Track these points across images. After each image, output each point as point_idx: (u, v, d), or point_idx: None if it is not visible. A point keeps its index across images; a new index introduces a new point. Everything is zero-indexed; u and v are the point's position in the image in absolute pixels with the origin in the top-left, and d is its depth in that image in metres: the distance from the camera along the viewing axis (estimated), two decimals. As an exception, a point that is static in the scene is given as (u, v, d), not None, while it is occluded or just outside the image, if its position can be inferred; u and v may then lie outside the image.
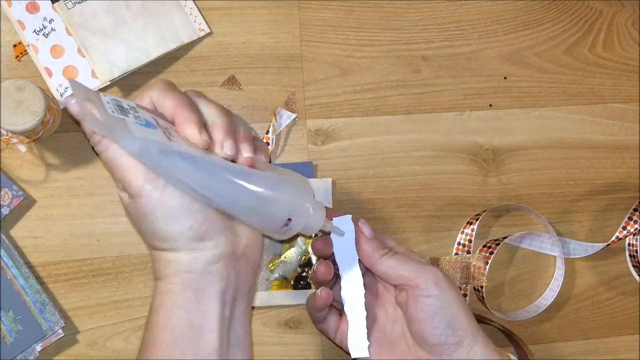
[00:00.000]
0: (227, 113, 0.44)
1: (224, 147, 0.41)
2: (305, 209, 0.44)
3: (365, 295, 0.49)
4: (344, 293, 0.49)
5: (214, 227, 0.41)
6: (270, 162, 0.46)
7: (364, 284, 0.49)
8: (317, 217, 0.45)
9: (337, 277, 0.51)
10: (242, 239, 0.43)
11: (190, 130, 0.40)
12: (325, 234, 0.49)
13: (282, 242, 0.60)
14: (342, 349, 0.51)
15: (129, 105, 0.40)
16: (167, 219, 0.39)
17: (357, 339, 0.48)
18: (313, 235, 0.50)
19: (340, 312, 0.52)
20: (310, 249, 0.60)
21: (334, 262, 0.50)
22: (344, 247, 0.49)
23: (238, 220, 0.44)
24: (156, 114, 0.42)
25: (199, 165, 0.40)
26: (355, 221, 0.49)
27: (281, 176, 0.44)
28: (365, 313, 0.48)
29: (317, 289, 0.51)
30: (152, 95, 0.42)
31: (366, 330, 0.48)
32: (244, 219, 0.44)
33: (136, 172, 0.39)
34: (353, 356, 0.49)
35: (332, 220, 0.48)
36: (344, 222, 0.48)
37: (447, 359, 0.45)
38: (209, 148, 0.41)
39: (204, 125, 0.41)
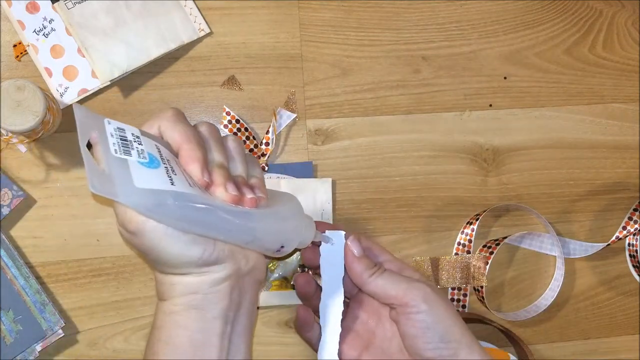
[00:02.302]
0: (240, 151, 0.45)
1: (227, 189, 0.41)
2: (296, 233, 0.46)
3: (362, 311, 0.50)
4: (322, 306, 0.49)
5: (223, 252, 0.41)
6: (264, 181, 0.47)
7: (362, 300, 0.50)
8: (307, 234, 0.47)
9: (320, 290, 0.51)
10: (249, 259, 0.44)
11: (193, 168, 0.41)
12: (316, 244, 0.49)
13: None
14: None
15: (133, 134, 0.40)
16: (175, 250, 0.39)
17: (327, 353, 0.48)
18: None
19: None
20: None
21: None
22: (331, 261, 0.49)
23: None
24: (162, 142, 0.42)
25: (196, 210, 0.40)
26: (348, 237, 0.49)
27: (273, 207, 0.45)
28: (340, 330, 0.48)
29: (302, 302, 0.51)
30: (161, 125, 0.42)
31: (338, 347, 0.48)
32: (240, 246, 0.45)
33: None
34: None
35: (324, 232, 0.49)
36: (335, 238, 0.49)
37: None
38: (207, 187, 0.41)
39: (206, 164, 0.42)
